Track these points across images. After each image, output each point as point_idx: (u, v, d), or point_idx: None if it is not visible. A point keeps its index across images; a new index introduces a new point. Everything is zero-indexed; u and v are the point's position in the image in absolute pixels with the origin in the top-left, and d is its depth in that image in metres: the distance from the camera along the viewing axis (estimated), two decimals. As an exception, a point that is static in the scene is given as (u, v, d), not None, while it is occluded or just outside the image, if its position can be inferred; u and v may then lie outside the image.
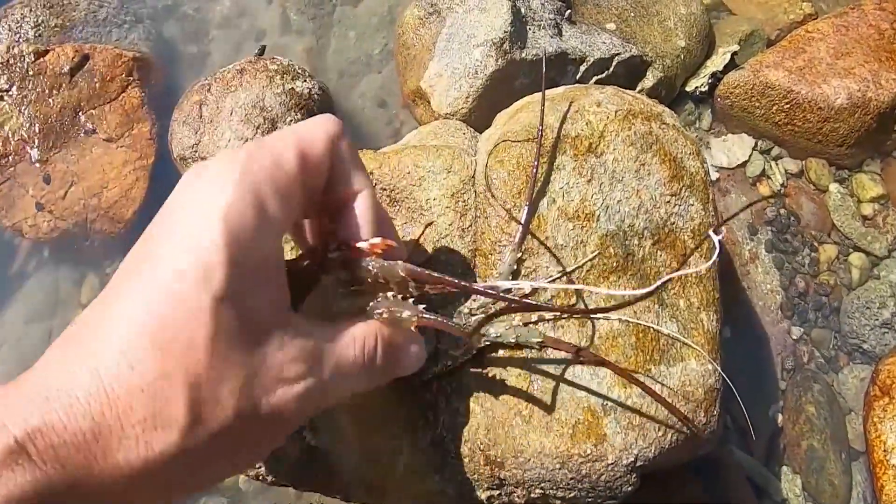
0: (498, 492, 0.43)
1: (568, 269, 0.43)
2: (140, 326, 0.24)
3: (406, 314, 0.31)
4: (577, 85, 0.53)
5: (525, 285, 0.42)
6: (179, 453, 0.24)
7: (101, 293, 0.26)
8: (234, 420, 0.25)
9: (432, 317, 0.32)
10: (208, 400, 0.25)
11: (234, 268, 0.25)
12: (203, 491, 0.30)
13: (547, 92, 0.54)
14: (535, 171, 0.44)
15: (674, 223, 0.46)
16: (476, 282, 0.44)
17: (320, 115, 0.32)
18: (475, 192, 0.46)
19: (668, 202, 0.46)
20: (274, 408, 0.27)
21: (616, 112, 0.47)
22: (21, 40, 0.77)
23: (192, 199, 0.26)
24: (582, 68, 0.75)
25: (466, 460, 0.42)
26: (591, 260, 0.44)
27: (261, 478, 0.45)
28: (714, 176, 0.82)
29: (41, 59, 0.75)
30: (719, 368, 0.44)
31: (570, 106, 0.47)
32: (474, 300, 0.40)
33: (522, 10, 0.72)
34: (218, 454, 0.26)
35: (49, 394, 0.23)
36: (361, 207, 0.32)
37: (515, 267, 0.43)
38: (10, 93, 0.74)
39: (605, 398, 0.41)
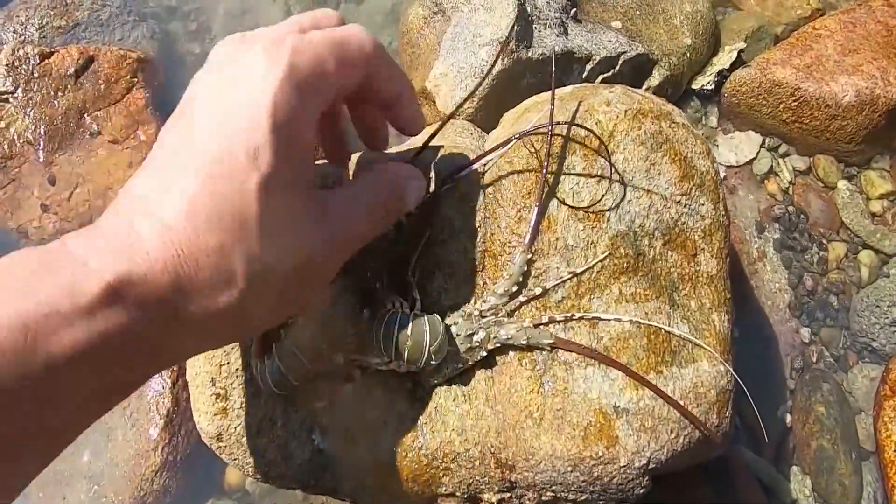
0: (509, 494, 0.42)
1: (578, 270, 0.43)
2: (196, 199, 0.27)
3: None
4: (585, 84, 0.53)
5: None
6: (238, 308, 0.29)
7: (151, 161, 0.29)
8: (283, 284, 0.30)
9: None
10: (261, 270, 0.29)
11: (278, 153, 0.28)
12: (253, 334, 0.40)
13: (555, 91, 0.53)
14: (544, 171, 0.43)
15: (684, 223, 0.46)
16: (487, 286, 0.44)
17: (354, 27, 0.34)
18: (484, 192, 0.46)
19: (679, 202, 0.46)
20: (319, 265, 0.32)
21: (626, 111, 0.47)
22: (26, 42, 0.77)
23: (240, 81, 0.29)
24: (588, 67, 0.74)
25: (477, 463, 0.42)
26: (601, 261, 0.44)
27: (270, 480, 0.45)
28: (721, 174, 0.82)
29: (46, 61, 0.74)
30: (731, 370, 0.44)
31: (578, 105, 0.47)
32: (484, 302, 0.40)
33: (528, 9, 0.72)
34: (269, 307, 0.31)
35: (125, 247, 0.26)
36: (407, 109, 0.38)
37: (526, 268, 0.42)
38: (16, 95, 0.73)
39: (617, 400, 0.41)
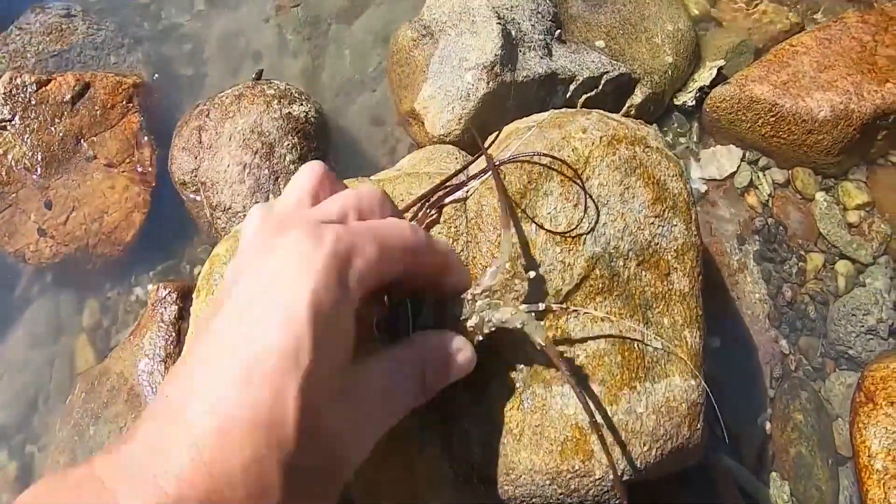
0: (491, 507, 0.44)
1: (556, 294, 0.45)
2: (231, 413, 0.25)
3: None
4: (563, 110, 0.55)
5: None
6: None
7: (192, 357, 0.28)
8: (320, 484, 0.29)
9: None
10: (298, 476, 0.27)
11: (317, 349, 0.27)
12: None
13: (534, 117, 0.55)
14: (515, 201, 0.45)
15: (658, 244, 0.48)
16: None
17: (394, 221, 0.34)
18: (466, 218, 0.48)
19: (652, 224, 0.48)
20: (354, 454, 0.31)
21: (601, 138, 0.49)
22: (23, 70, 0.79)
23: (277, 274, 0.28)
24: (571, 87, 0.77)
25: (461, 480, 0.43)
26: (578, 283, 0.46)
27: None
28: (703, 188, 0.84)
29: (43, 89, 0.76)
30: (703, 382, 0.46)
31: (565, 140, 0.49)
32: (477, 285, 0.39)
33: (513, 33, 0.74)
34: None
35: (156, 474, 0.24)
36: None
37: (514, 248, 0.44)
38: (13, 122, 0.75)
39: (592, 415, 0.43)
